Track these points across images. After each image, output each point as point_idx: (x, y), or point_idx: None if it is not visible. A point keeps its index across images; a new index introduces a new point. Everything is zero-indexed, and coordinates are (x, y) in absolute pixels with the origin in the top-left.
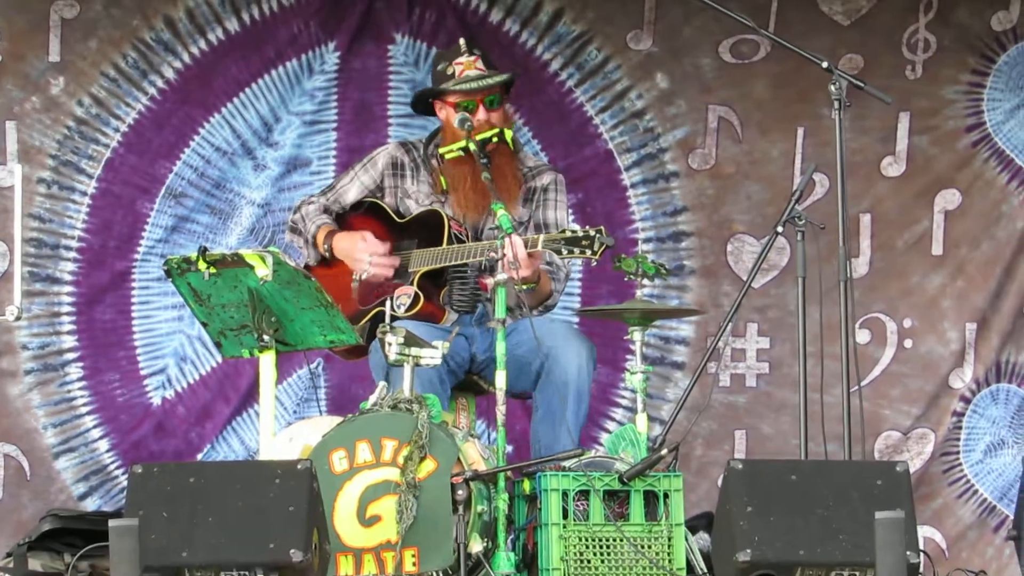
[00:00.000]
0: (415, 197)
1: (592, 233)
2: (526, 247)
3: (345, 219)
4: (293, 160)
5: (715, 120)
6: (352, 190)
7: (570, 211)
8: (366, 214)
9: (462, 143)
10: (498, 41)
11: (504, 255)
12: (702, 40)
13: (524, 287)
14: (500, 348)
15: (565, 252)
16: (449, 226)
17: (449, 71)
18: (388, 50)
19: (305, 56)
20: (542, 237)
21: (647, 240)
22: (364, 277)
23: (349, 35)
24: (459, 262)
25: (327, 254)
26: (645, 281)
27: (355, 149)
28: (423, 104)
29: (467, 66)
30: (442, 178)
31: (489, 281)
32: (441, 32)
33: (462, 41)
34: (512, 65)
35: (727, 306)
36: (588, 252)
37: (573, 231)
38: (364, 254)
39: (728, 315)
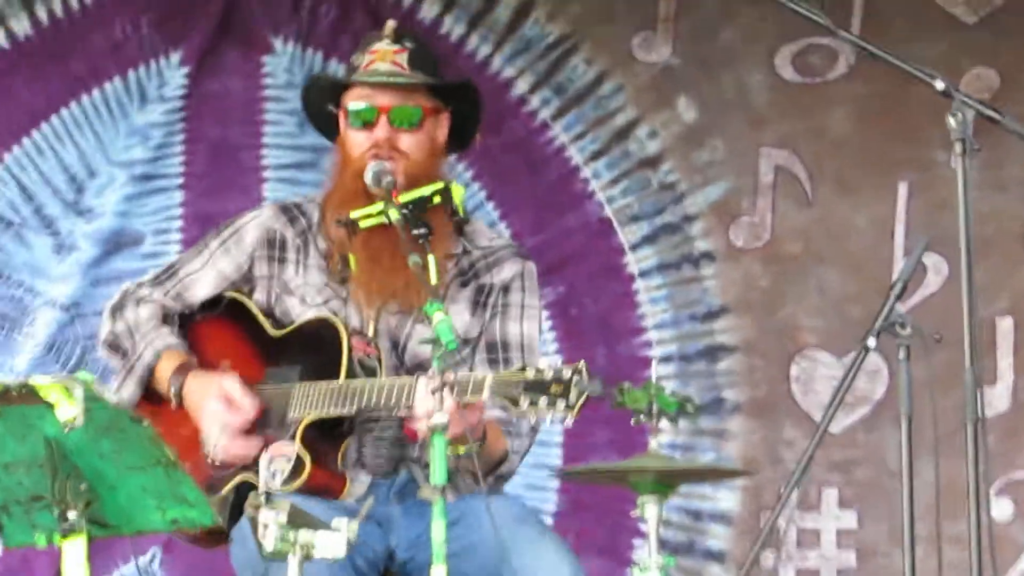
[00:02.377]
0: (300, 293)
1: (567, 375)
2: (463, 392)
3: (189, 327)
4: (115, 236)
5: (770, 171)
6: (204, 280)
7: (546, 317)
8: (222, 320)
9: (378, 207)
10: (435, 48)
11: (412, 409)
12: (750, 46)
13: (457, 452)
14: (437, 532)
15: (523, 405)
16: (350, 345)
17: (357, 60)
18: (263, 64)
19: (135, 74)
20: (488, 380)
21: (666, 359)
22: (217, 458)
23: (202, 42)
24: (356, 410)
25: (176, 402)
26: (664, 424)
27: (210, 217)
28: (324, 119)
29: (381, 56)
30: (350, 257)
31: (420, 427)
32: (344, 36)
33: (391, 23)
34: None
35: (791, 462)
36: (559, 405)
37: (538, 372)
38: (216, 427)
39: (793, 476)
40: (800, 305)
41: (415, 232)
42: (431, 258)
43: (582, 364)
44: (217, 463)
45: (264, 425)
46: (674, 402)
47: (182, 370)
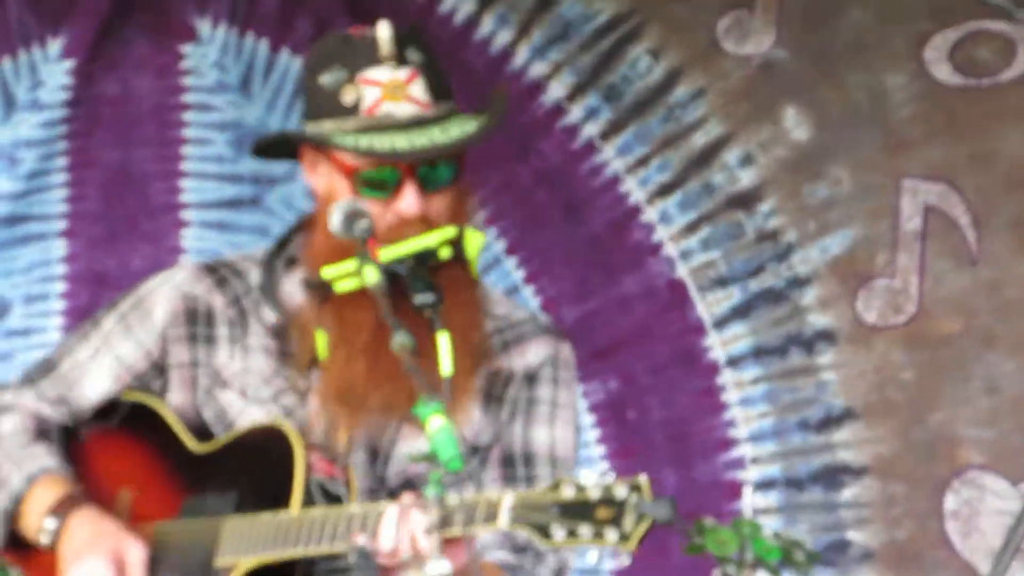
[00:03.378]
0: (239, 385)
1: (620, 493)
2: (469, 520)
3: (74, 445)
4: None
5: (917, 214)
6: (96, 373)
7: (590, 423)
8: (122, 433)
9: (352, 267)
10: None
11: (382, 544)
12: (888, 35)
13: None
14: None
15: (557, 535)
16: (307, 462)
17: (347, 94)
18: (181, 56)
19: None
20: (507, 501)
21: (765, 484)
22: None
23: (94, 25)
24: (319, 549)
25: (49, 541)
26: None
27: (105, 278)
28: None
29: (390, 91)
30: (319, 339)
31: None
32: (301, 19)
33: (384, 32)
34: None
35: None
36: (609, 536)
37: (579, 489)
38: None
39: None
40: (960, 408)
41: (416, 300)
42: (443, 337)
43: (642, 478)
44: None
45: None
46: (776, 548)
47: (69, 503)
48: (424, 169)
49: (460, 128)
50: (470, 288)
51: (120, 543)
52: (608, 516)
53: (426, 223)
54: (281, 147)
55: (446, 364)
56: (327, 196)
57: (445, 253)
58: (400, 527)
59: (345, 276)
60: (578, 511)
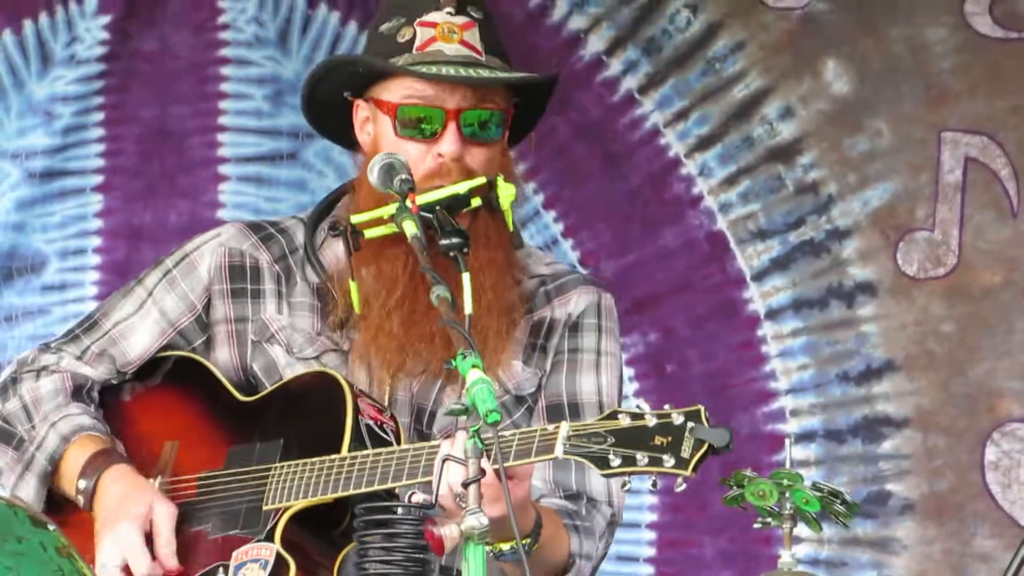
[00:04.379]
0: (286, 340)
1: (677, 420)
2: (527, 452)
3: (116, 403)
4: (5, 258)
5: (958, 166)
6: (141, 329)
7: (629, 376)
8: (166, 389)
9: (389, 210)
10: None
11: (440, 482)
12: None
13: (498, 549)
14: None
15: (615, 463)
16: (355, 406)
17: (403, 35)
18: (219, 10)
19: (32, 26)
20: (564, 431)
21: (806, 435)
22: None
23: None
24: (371, 489)
25: (85, 503)
26: (801, 529)
27: (142, 232)
28: (333, 109)
29: (443, 32)
30: (352, 287)
31: (446, 532)
32: None
33: None
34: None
35: None
36: (666, 462)
37: (635, 417)
38: (116, 558)
39: None
40: (1001, 361)
41: (443, 243)
42: (466, 277)
43: (700, 406)
44: None
45: (226, 524)
46: (815, 499)
47: (100, 460)
48: (468, 115)
49: (508, 76)
50: (499, 237)
51: (148, 503)
52: (665, 442)
53: (464, 171)
54: (330, 115)
55: (468, 303)
56: (373, 151)
57: (476, 201)
58: (441, 478)
59: (374, 223)
60: (634, 439)
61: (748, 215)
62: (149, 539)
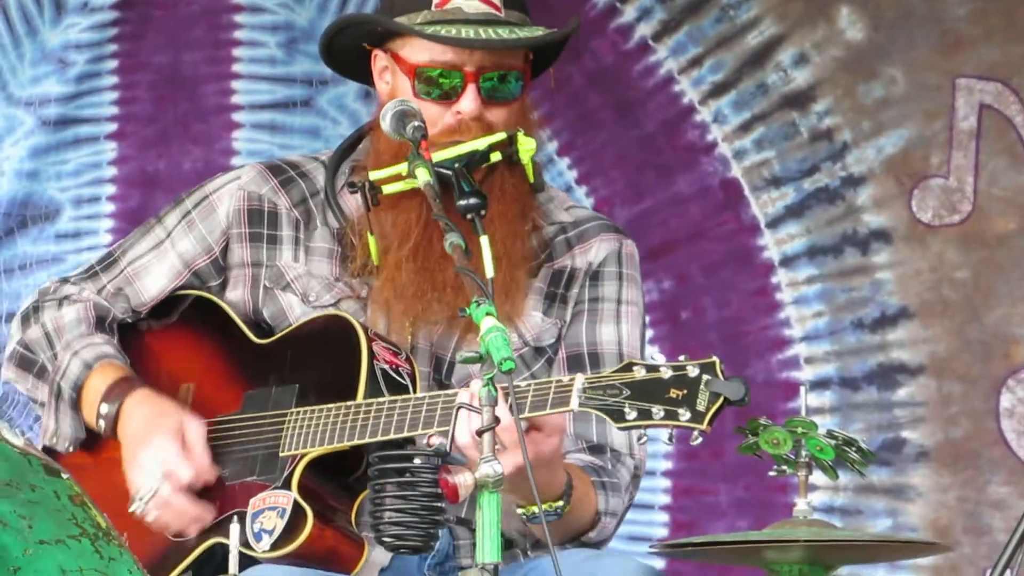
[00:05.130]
0: (302, 287)
1: (693, 372)
2: (542, 404)
3: (134, 339)
4: (19, 206)
5: (972, 112)
6: (158, 269)
7: (646, 322)
8: (182, 328)
9: (401, 169)
10: None
11: (456, 434)
12: None
13: (531, 512)
14: None
15: (630, 416)
16: (370, 350)
17: None
18: None
19: None
20: (579, 383)
21: (820, 385)
22: (145, 516)
23: None
24: (387, 437)
25: (107, 428)
26: (817, 477)
27: (156, 180)
28: (351, 56)
29: None
30: (370, 240)
31: (460, 480)
32: None
33: None
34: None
35: (1000, 532)
36: (682, 416)
37: (651, 369)
38: (158, 470)
39: (1005, 552)
40: (1016, 307)
41: (460, 203)
42: (484, 240)
43: (715, 358)
44: (147, 520)
45: (243, 470)
46: (830, 447)
47: (123, 386)
48: (488, 77)
49: (529, 33)
50: (515, 190)
51: (180, 420)
52: (680, 395)
53: (484, 127)
54: (348, 59)
55: (489, 267)
56: (391, 99)
57: (495, 156)
58: (457, 425)
59: (393, 179)
60: (650, 391)
61: (762, 162)
62: (185, 449)
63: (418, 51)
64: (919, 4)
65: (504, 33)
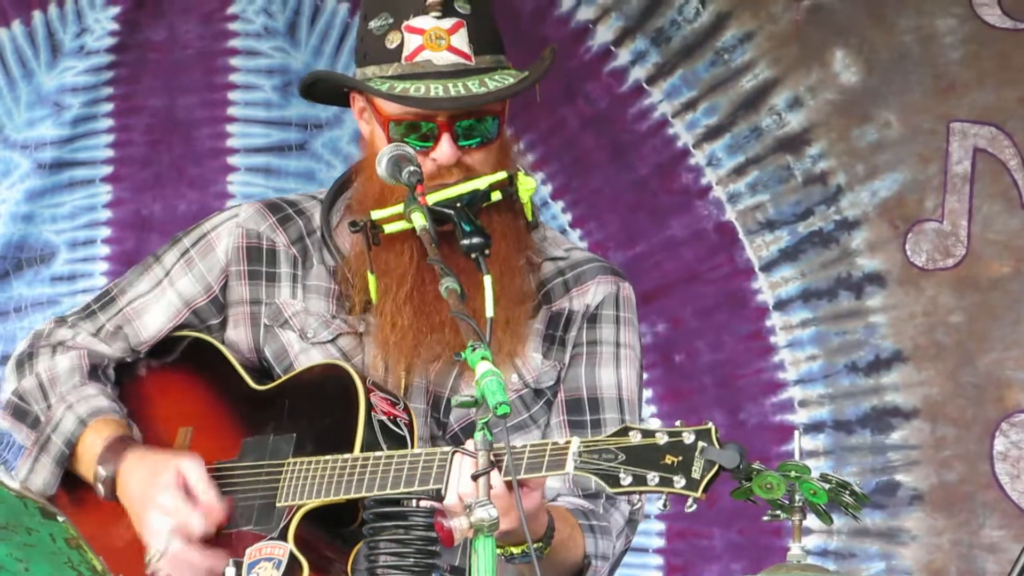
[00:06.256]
0: (300, 325)
1: (688, 439)
2: (538, 467)
3: (130, 383)
4: (14, 249)
5: (966, 157)
6: (157, 308)
7: (643, 365)
8: (180, 371)
9: (402, 208)
10: None
11: (447, 492)
12: None
13: (508, 553)
14: None
15: (625, 482)
16: (368, 402)
17: (390, 39)
18: (227, 1)
19: (41, 16)
20: (575, 447)
21: (815, 426)
22: (166, 557)
23: None
24: (384, 494)
25: (106, 492)
26: (811, 521)
27: (151, 223)
28: (331, 95)
29: (431, 39)
30: (371, 282)
31: (455, 524)
32: None
33: None
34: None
35: None
36: (677, 483)
37: (646, 435)
38: (166, 527)
39: None
40: (1009, 351)
41: (464, 243)
42: (487, 280)
43: (710, 425)
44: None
45: (240, 519)
46: (823, 491)
47: (117, 447)
48: (463, 124)
49: (499, 82)
50: (511, 229)
51: (176, 465)
52: (676, 462)
53: (466, 171)
54: (334, 93)
55: (490, 306)
56: (370, 143)
57: (496, 196)
58: (460, 474)
59: (394, 218)
60: (645, 457)
61: (757, 205)
62: (190, 497)
63: (390, 104)
64: (913, 48)
65: (474, 86)
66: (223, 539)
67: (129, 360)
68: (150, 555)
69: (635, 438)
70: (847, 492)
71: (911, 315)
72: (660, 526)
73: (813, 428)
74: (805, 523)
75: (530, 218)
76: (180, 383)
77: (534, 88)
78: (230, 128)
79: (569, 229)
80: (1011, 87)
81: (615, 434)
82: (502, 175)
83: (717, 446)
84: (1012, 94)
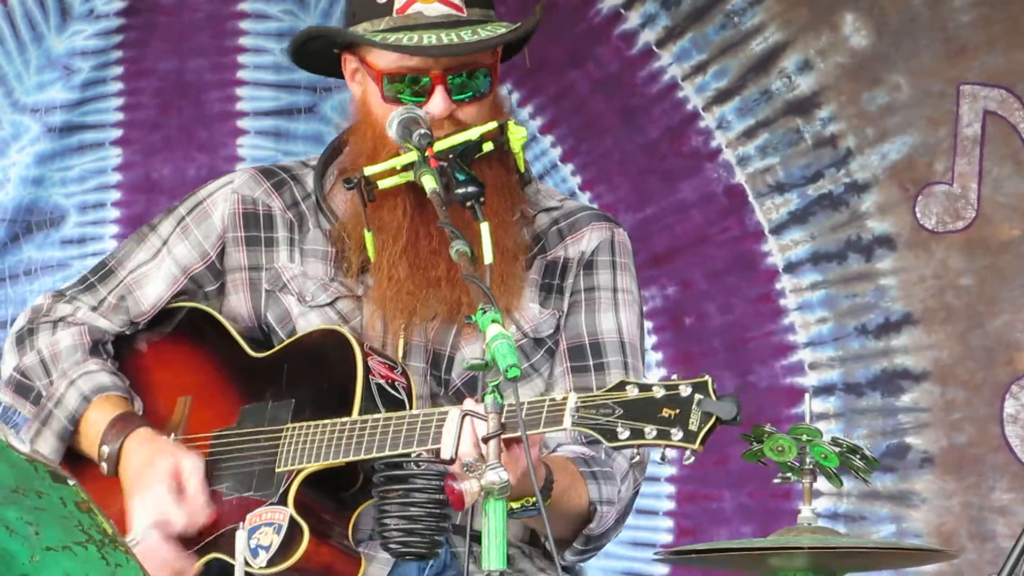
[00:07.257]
0: (298, 288)
1: (685, 392)
2: (535, 423)
3: (129, 353)
4: (24, 212)
5: (976, 119)
6: (156, 277)
7: (648, 328)
8: (177, 340)
9: (402, 160)
10: None
11: (443, 452)
12: None
13: (511, 509)
14: None
15: (623, 436)
16: (365, 365)
17: None
18: None
19: None
20: (571, 403)
21: (824, 391)
22: (139, 546)
23: None
24: (383, 455)
25: (109, 469)
26: (821, 483)
27: (160, 186)
28: (322, 57)
29: None
30: (368, 240)
31: (465, 487)
32: None
33: None
34: None
35: (1005, 538)
36: (674, 436)
37: (643, 388)
38: (149, 517)
39: (1010, 559)
40: (1019, 313)
41: (458, 192)
42: (484, 227)
43: (707, 377)
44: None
45: (240, 485)
46: (835, 453)
47: (121, 425)
48: (456, 79)
49: (491, 31)
50: (505, 180)
51: (177, 459)
52: (673, 415)
53: (456, 125)
54: (324, 60)
55: (488, 253)
56: (362, 102)
57: (488, 146)
58: (462, 433)
59: (387, 173)
60: (642, 411)
61: (766, 168)
62: (180, 494)
63: (383, 57)
64: (923, 11)
65: (466, 35)
66: (224, 504)
67: (128, 333)
68: (128, 538)
69: (632, 392)
70: (857, 455)
71: (921, 278)
72: (670, 488)
73: (823, 391)
74: (815, 486)
75: (522, 169)
76: (178, 353)
77: (528, 54)
78: (239, 91)
79: (579, 192)
80: (1021, 50)
81: (612, 388)
82: (492, 125)
83: (714, 398)
84: (1022, 56)
